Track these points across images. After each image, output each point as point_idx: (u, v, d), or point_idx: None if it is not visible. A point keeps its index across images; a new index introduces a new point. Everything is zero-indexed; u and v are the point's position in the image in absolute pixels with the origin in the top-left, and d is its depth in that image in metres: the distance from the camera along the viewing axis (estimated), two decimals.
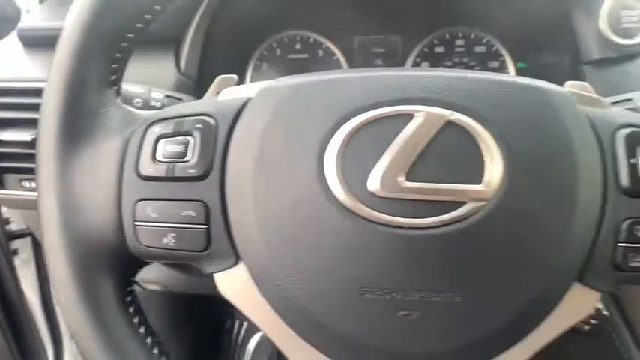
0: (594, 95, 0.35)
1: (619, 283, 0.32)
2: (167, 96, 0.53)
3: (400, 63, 0.74)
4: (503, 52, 0.72)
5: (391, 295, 0.30)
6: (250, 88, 0.34)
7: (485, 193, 0.30)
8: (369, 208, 0.30)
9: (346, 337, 0.31)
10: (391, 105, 0.31)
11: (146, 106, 0.50)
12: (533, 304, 0.31)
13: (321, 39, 0.74)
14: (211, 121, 0.33)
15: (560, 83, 0.35)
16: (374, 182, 0.30)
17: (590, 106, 0.33)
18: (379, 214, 0.30)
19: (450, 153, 0.30)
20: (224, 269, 0.33)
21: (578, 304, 0.32)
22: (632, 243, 0.31)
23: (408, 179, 0.30)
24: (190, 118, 0.34)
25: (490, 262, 0.30)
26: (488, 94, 0.31)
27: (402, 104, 0.31)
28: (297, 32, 0.75)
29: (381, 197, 0.30)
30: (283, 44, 0.75)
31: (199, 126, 0.33)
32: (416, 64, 0.74)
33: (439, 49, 0.73)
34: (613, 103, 0.48)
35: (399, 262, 0.30)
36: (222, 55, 0.68)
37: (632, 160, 0.31)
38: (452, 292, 0.30)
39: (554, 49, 0.68)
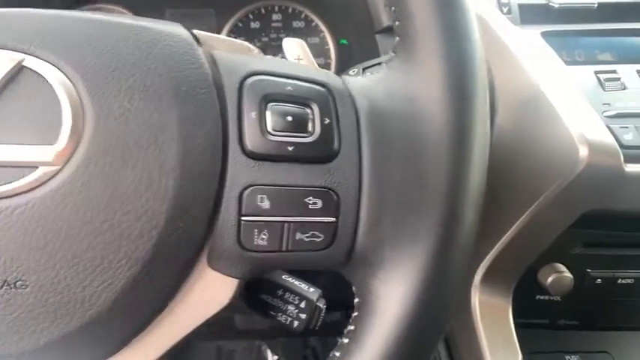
0: (240, 41, 0.29)
1: (255, 268, 0.27)
2: None
3: None
4: (323, 27, 0.67)
5: None
6: None
7: (61, 155, 0.24)
8: None
9: None
10: None
11: None
12: (134, 293, 0.25)
13: (126, 11, 0.67)
14: None
15: None
16: None
17: (235, 53, 0.28)
18: None
19: (21, 106, 0.24)
20: None
21: (210, 293, 0.27)
22: (255, 216, 0.26)
23: None
24: None
25: (66, 241, 0.24)
26: (73, 34, 0.25)
27: None
28: (102, 5, 0.67)
29: None
30: None
31: None
32: None
33: (254, 24, 0.67)
34: (364, 68, 0.44)
35: None
36: None
37: (254, 114, 0.26)
38: (20, 280, 0.24)
39: (370, 24, 0.64)
